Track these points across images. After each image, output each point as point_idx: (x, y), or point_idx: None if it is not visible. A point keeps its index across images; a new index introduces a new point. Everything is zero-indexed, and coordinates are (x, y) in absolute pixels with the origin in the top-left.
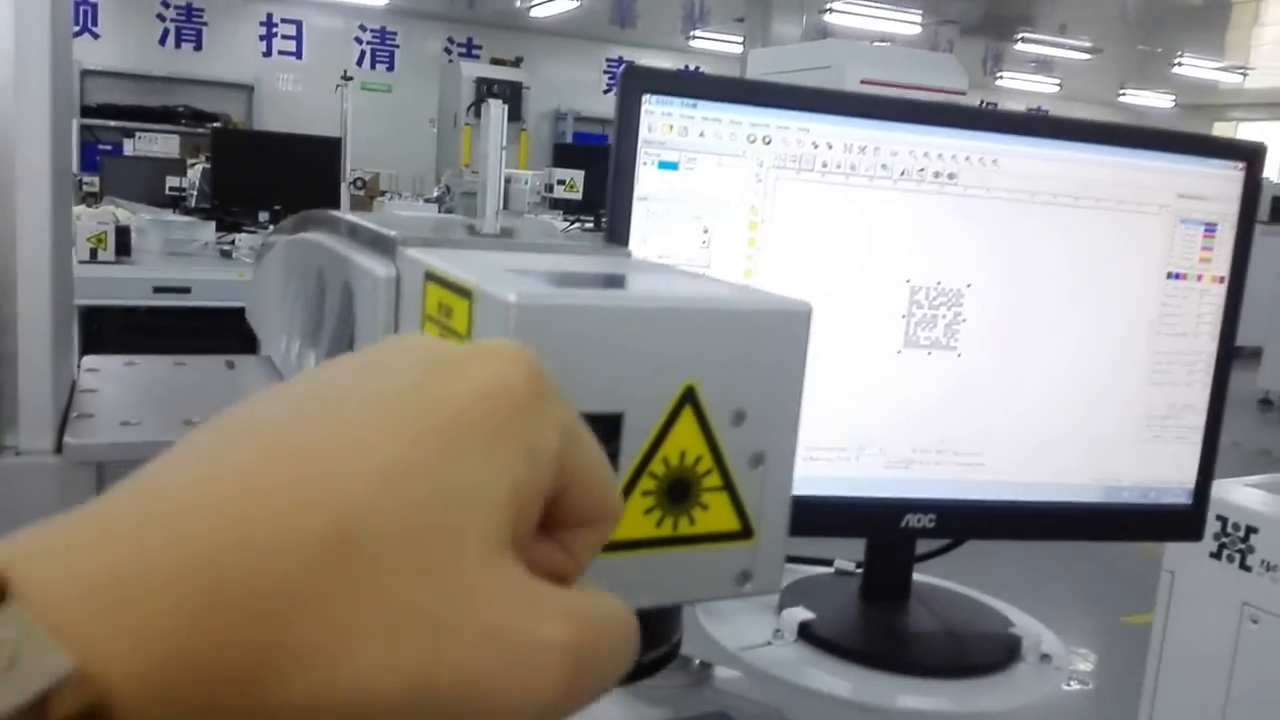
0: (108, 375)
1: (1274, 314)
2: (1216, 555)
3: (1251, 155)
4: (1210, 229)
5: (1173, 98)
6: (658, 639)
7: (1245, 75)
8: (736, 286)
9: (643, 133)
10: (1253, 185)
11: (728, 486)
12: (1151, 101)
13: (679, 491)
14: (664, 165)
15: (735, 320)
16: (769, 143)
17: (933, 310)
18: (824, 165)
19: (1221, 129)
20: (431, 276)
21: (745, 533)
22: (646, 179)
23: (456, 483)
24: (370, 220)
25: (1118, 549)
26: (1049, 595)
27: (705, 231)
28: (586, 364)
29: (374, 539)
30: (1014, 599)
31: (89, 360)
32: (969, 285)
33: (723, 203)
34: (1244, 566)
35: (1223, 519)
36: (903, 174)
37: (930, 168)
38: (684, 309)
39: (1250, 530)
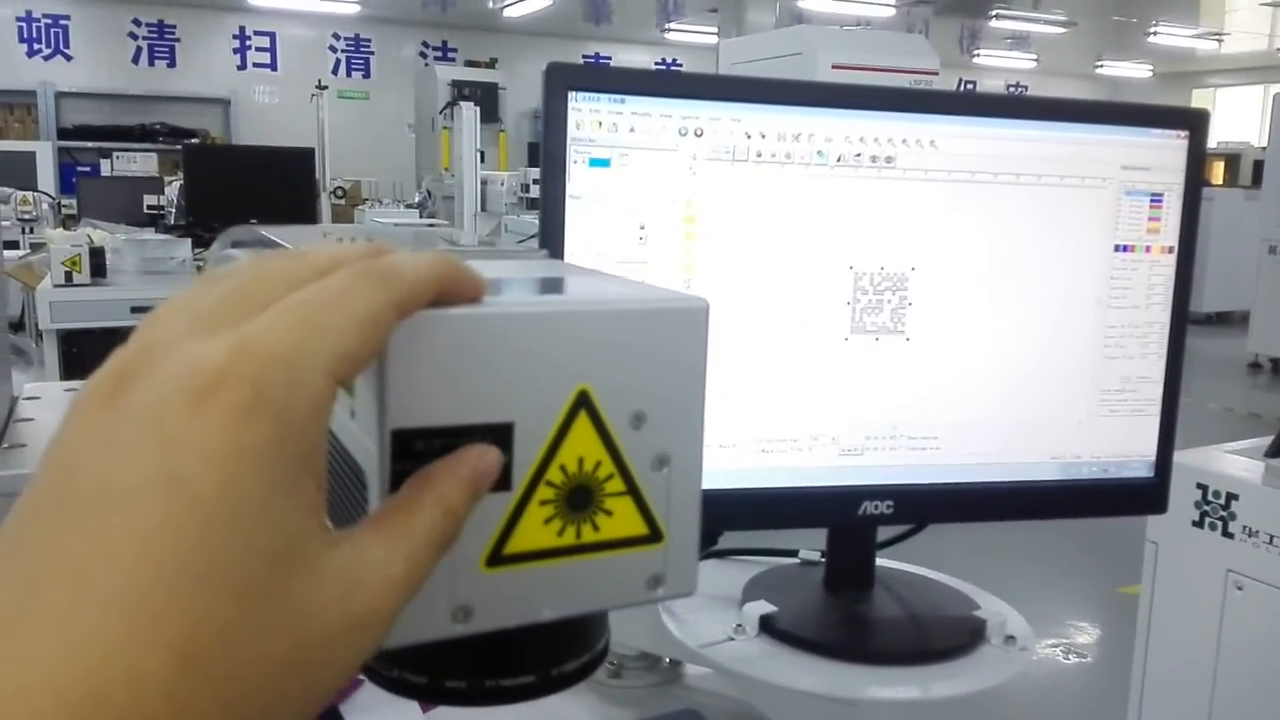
0: (48, 402)
1: (1260, 278)
2: (1199, 524)
3: (1194, 123)
4: (1156, 199)
5: (1150, 67)
6: (580, 646)
7: (1221, 41)
8: (634, 285)
9: (571, 130)
10: (1197, 153)
11: (631, 491)
12: (1129, 72)
13: (580, 499)
14: (595, 162)
15: (627, 321)
16: (701, 135)
17: (878, 295)
18: (758, 155)
19: (1200, 96)
20: None
21: (653, 536)
22: (578, 177)
23: (250, 543)
24: (282, 235)
25: (1109, 521)
26: (1045, 571)
27: (642, 228)
28: (469, 374)
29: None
30: (1009, 577)
31: (31, 388)
32: (913, 269)
33: (658, 198)
34: (1226, 534)
35: (1203, 487)
36: (839, 160)
37: (867, 152)
38: (569, 312)
39: (1231, 497)
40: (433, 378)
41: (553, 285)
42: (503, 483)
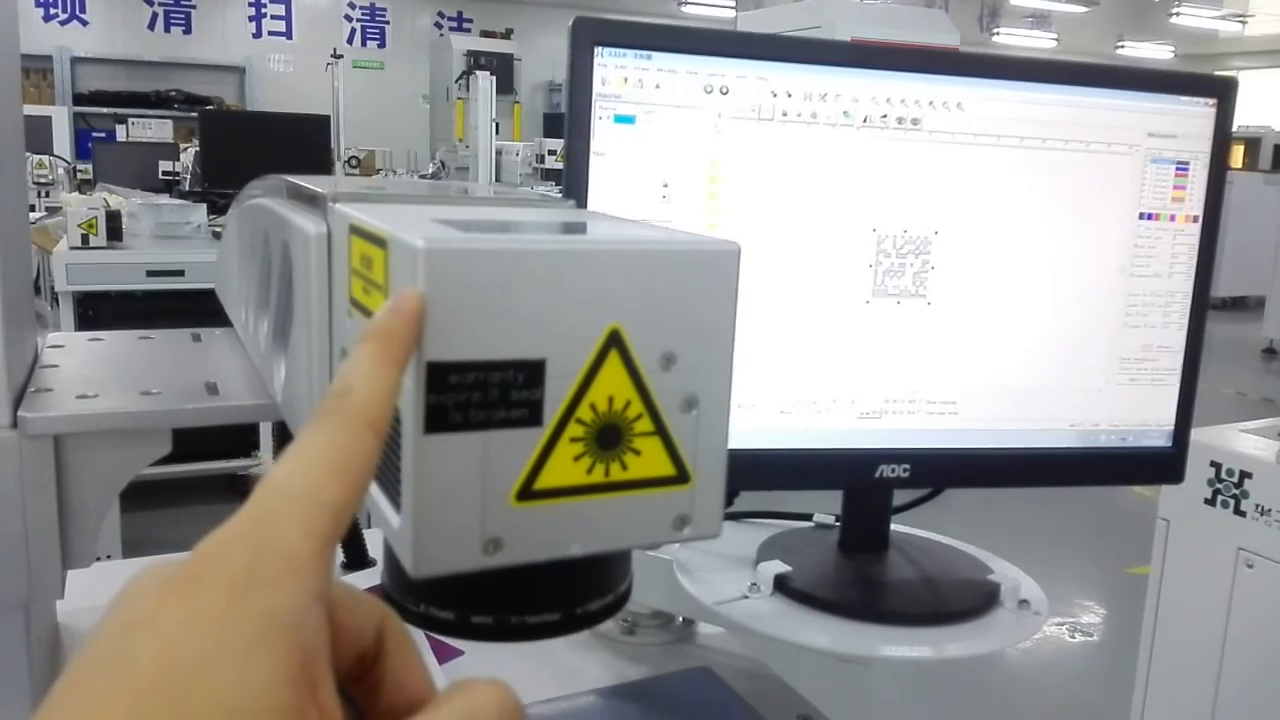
0: (71, 351)
1: (1277, 263)
2: (1211, 501)
3: (1222, 91)
4: (1182, 168)
5: (1172, 48)
6: (603, 586)
7: (1245, 23)
8: (666, 229)
9: (596, 86)
10: (1224, 122)
11: (660, 431)
12: (1150, 53)
13: (609, 437)
14: (620, 119)
15: (660, 261)
16: (726, 93)
17: (900, 259)
18: (784, 114)
19: None
20: (354, 229)
21: (680, 477)
22: (602, 134)
23: None
24: (308, 180)
25: (1120, 502)
26: (1054, 550)
27: (665, 186)
28: (504, 309)
29: None
30: (1018, 556)
31: (54, 337)
32: (936, 232)
33: (681, 156)
34: (1239, 512)
35: (1217, 465)
36: (865, 120)
37: (893, 113)
38: (605, 250)
39: (1244, 475)
40: (468, 312)
41: (584, 227)
42: (534, 419)
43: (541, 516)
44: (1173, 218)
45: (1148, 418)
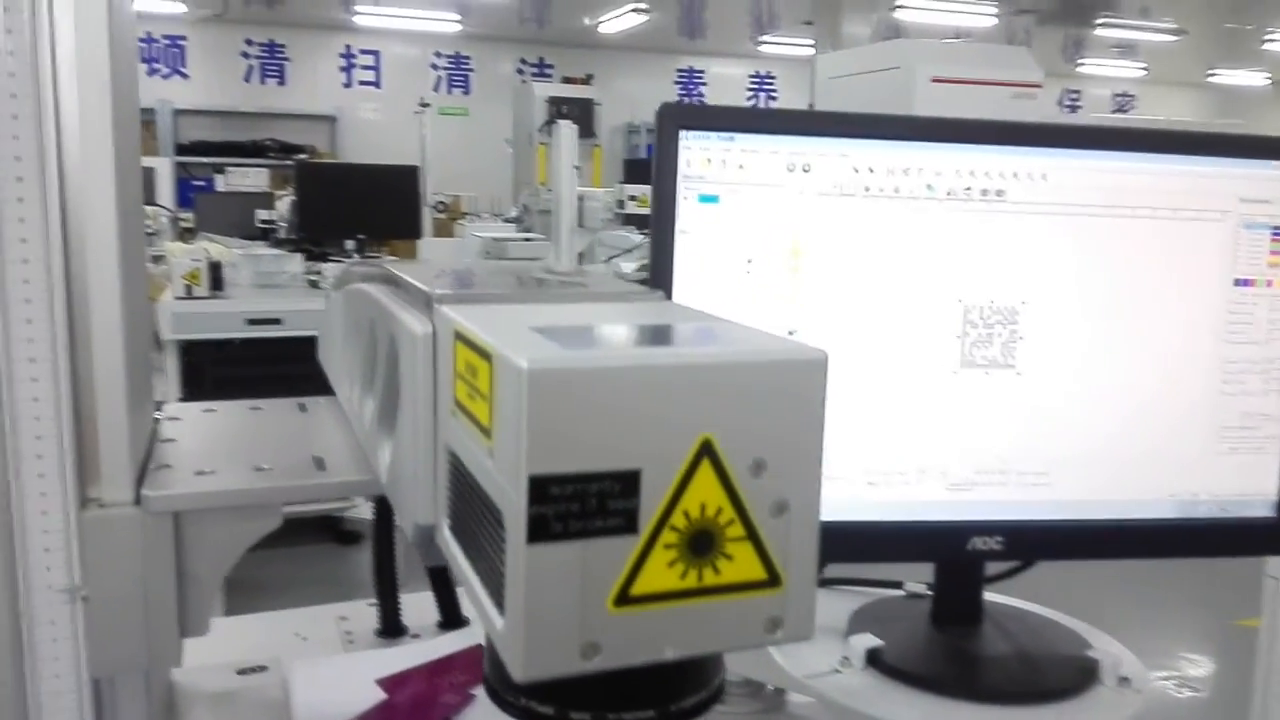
0: (186, 424)
1: None
2: None
3: None
4: (1278, 232)
5: (1267, 75)
6: (698, 684)
7: None
8: (754, 334)
9: (681, 168)
10: None
11: (751, 536)
12: (1244, 80)
13: (702, 543)
14: (704, 199)
15: (749, 372)
16: (808, 170)
17: (988, 329)
18: (866, 189)
19: None
20: (460, 336)
21: (772, 581)
22: (687, 213)
23: None
24: (412, 274)
25: None
26: (1156, 599)
27: (749, 261)
28: (602, 423)
29: None
30: (1117, 604)
31: (169, 408)
32: (1024, 302)
33: (764, 232)
34: None
35: None
36: (949, 194)
37: (977, 186)
38: (696, 365)
39: None
40: (568, 426)
41: (676, 334)
42: (630, 527)
43: (638, 622)
44: (1269, 283)
45: (1249, 487)
